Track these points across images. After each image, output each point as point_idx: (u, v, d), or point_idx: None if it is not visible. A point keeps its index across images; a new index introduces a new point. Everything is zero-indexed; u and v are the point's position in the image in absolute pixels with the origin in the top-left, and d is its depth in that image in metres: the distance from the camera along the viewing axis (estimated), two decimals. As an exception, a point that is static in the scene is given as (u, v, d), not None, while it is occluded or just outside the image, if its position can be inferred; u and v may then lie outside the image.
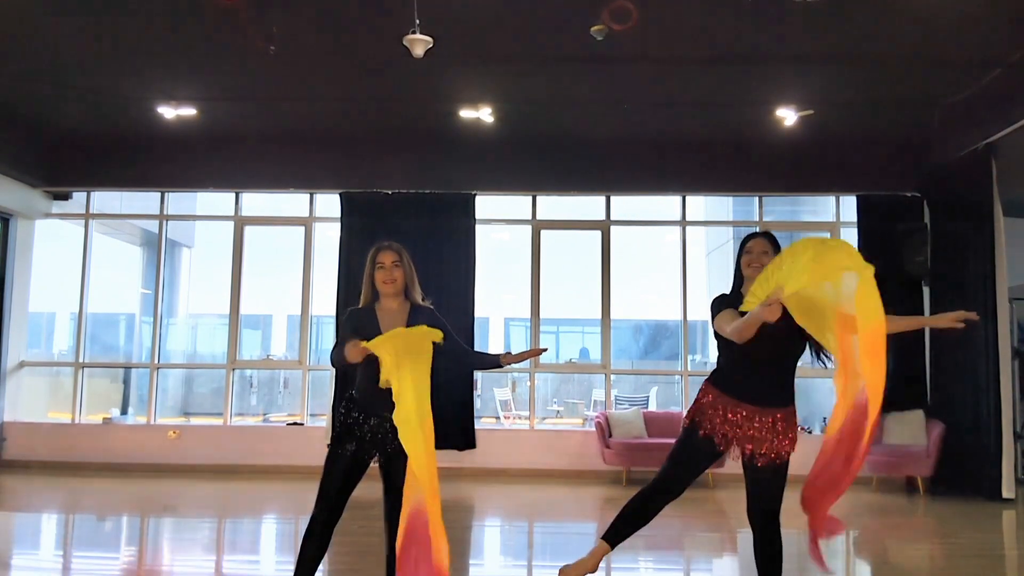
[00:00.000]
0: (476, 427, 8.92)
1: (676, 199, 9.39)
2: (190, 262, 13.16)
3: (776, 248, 3.37)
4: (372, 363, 3.30)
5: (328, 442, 3.57)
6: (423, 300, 3.62)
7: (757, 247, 3.37)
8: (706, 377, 3.48)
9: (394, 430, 3.29)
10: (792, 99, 7.67)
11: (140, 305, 12.32)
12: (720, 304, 3.35)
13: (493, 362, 3.57)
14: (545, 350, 3.90)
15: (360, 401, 3.48)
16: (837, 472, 3.20)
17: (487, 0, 5.89)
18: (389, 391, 3.28)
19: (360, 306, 3.57)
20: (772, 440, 3.37)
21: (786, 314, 3.00)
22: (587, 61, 6.77)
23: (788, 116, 7.88)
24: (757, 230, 9.37)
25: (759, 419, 3.32)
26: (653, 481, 3.50)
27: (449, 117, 8.12)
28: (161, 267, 9.66)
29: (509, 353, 3.56)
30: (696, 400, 3.46)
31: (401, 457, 3.33)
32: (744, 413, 3.31)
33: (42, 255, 9.71)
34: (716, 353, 3.45)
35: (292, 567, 3.54)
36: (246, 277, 9.43)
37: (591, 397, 12.59)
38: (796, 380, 3.47)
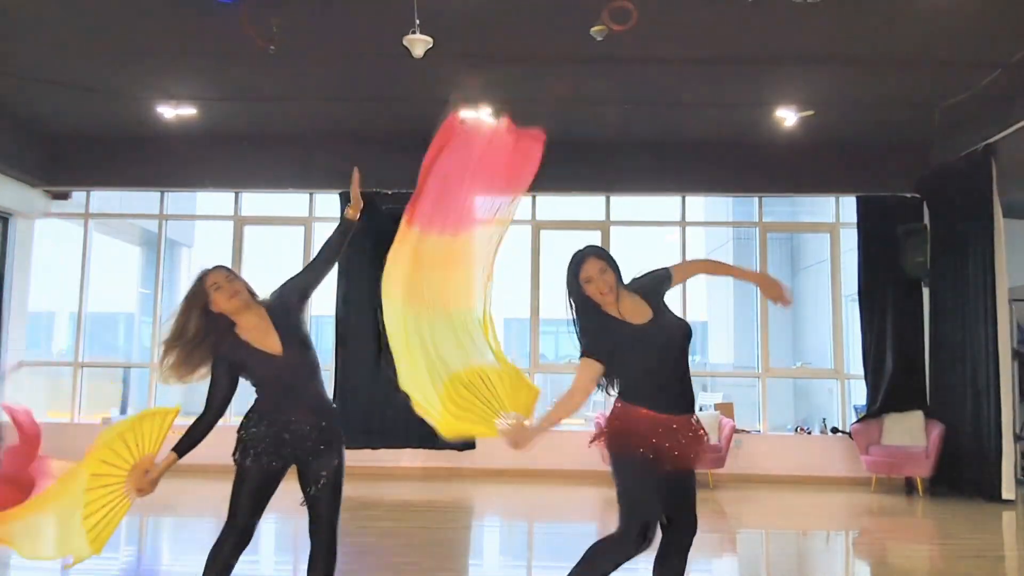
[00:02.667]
0: (475, 427, 8.91)
1: (676, 199, 9.39)
2: (190, 262, 13.15)
3: (611, 261, 3.16)
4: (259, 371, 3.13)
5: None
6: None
7: (593, 268, 3.12)
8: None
9: (312, 433, 3.14)
10: (792, 99, 7.67)
11: (139, 305, 12.32)
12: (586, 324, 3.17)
13: (345, 227, 3.36)
14: None
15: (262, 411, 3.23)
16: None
17: (487, 0, 5.89)
18: (294, 394, 3.13)
19: (218, 340, 3.16)
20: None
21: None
22: (587, 61, 6.77)
23: (788, 116, 7.88)
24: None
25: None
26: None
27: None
28: (160, 267, 9.65)
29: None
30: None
31: (323, 462, 3.15)
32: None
33: (41, 255, 9.70)
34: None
35: (292, 566, 3.53)
36: (246, 276, 9.37)
37: (591, 397, 12.58)
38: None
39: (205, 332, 3.11)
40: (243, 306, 3.17)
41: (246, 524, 3.14)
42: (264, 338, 3.15)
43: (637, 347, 3.08)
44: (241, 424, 3.21)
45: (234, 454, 3.18)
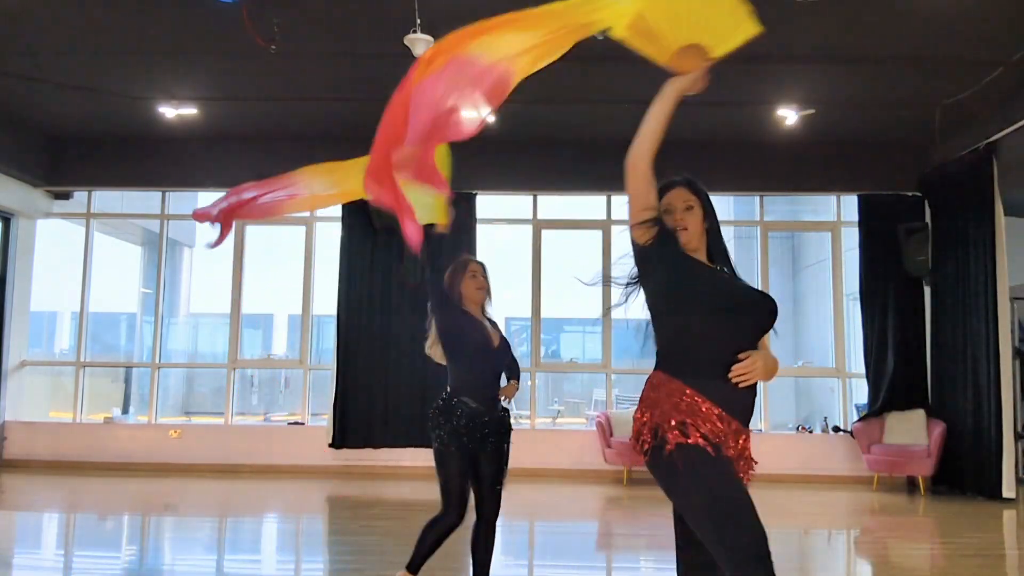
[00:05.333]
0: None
1: (677, 198, 9.38)
2: (191, 261, 13.18)
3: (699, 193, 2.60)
4: (470, 359, 3.58)
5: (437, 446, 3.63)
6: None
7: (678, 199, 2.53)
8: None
9: (492, 426, 3.54)
10: (793, 99, 7.66)
11: (141, 304, 12.34)
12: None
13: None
14: None
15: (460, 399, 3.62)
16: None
17: (487, 0, 5.89)
18: (487, 386, 3.57)
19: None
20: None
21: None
22: (587, 61, 6.77)
23: (789, 116, 7.87)
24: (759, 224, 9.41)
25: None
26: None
27: (450, 117, 8.10)
28: (162, 266, 9.66)
29: None
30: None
31: (495, 455, 3.55)
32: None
33: (43, 255, 9.71)
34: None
35: (293, 566, 3.55)
36: (247, 276, 9.44)
37: (592, 397, 12.59)
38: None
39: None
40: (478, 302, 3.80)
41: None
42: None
43: (719, 299, 2.37)
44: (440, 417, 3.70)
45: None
